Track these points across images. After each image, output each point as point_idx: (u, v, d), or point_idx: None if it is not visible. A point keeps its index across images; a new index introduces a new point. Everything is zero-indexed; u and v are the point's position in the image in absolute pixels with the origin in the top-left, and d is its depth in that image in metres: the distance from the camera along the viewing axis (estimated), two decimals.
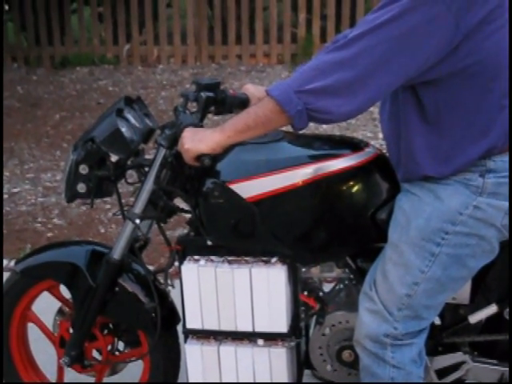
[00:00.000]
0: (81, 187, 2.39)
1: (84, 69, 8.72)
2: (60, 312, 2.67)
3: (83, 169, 2.36)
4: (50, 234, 4.76)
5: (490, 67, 1.98)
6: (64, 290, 2.63)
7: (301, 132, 2.16)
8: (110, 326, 2.63)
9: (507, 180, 2.06)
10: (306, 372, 2.59)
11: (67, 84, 8.24)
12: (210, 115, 2.43)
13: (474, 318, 2.32)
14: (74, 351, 2.55)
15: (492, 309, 2.30)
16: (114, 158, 2.36)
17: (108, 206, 5.01)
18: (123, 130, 2.34)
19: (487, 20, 1.92)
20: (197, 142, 2.13)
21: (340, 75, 1.94)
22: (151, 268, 2.86)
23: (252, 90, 2.49)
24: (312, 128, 5.83)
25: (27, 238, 4.67)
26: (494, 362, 2.36)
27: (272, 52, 8.84)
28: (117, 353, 2.68)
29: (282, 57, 8.74)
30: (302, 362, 2.50)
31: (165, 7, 8.89)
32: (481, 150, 2.04)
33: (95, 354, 2.65)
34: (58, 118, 7.15)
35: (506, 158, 2.06)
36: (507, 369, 2.34)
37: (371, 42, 1.93)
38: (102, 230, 4.79)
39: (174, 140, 2.25)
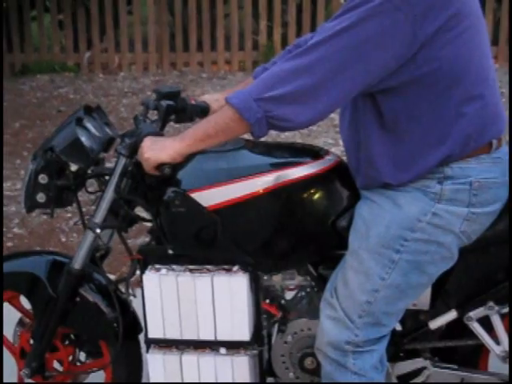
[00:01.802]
0: (40, 197, 2.36)
1: (44, 76, 8.67)
2: (20, 323, 2.64)
3: (42, 178, 2.34)
4: (9, 244, 4.70)
5: (447, 75, 1.99)
6: (24, 301, 2.60)
7: (262, 140, 2.17)
8: (71, 336, 2.61)
9: (465, 187, 2.07)
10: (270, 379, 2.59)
11: (27, 92, 8.17)
12: (171, 123, 2.43)
13: (434, 324, 2.33)
14: (34, 362, 2.53)
15: (452, 314, 2.31)
16: (73, 167, 2.34)
17: (69, 215, 4.96)
18: (83, 139, 2.32)
19: (444, 28, 1.93)
20: (157, 151, 2.13)
21: (299, 83, 1.95)
22: (113, 277, 2.85)
23: (208, 98, 2.51)
24: (273, 135, 5.85)
25: None
26: (454, 367, 2.39)
27: (233, 59, 8.87)
28: (78, 363, 2.65)
29: (244, 64, 8.77)
30: (264, 370, 2.50)
31: (126, 14, 8.87)
32: (439, 157, 2.06)
33: (56, 365, 2.62)
34: (18, 126, 7.08)
35: (464, 164, 2.08)
36: (467, 373, 2.37)
37: (329, 50, 1.94)
38: (64, 239, 4.74)
39: (134, 149, 2.23)
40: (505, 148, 2.17)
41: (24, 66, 8.84)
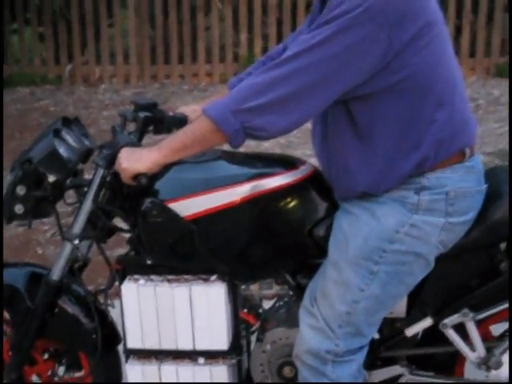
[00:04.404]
0: (18, 208, 2.36)
1: (25, 89, 8.67)
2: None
3: (20, 189, 2.34)
4: None
5: (420, 82, 2.02)
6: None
7: (239, 150, 2.18)
8: (52, 351, 2.60)
9: (442, 196, 2.10)
10: None
11: (8, 104, 8.14)
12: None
13: (410, 331, 2.35)
14: (12, 374, 2.52)
15: (427, 322, 2.33)
16: (51, 178, 2.34)
17: (46, 227, 4.92)
18: (60, 150, 2.33)
19: (418, 36, 1.96)
20: (133, 161, 2.14)
21: (275, 94, 1.97)
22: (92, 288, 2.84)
23: (186, 109, 2.54)
24: (253, 146, 5.84)
25: None
26: (431, 374, 2.40)
27: (214, 71, 8.90)
28: (56, 378, 2.62)
29: (225, 76, 8.77)
30: (243, 379, 2.51)
31: (106, 27, 8.88)
32: (413, 164, 2.08)
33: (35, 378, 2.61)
34: None
35: (439, 174, 2.10)
36: (442, 380, 2.39)
37: (305, 62, 1.96)
38: (40, 252, 4.70)
39: (112, 160, 2.24)
40: (477, 157, 2.20)
41: (5, 79, 8.82)
